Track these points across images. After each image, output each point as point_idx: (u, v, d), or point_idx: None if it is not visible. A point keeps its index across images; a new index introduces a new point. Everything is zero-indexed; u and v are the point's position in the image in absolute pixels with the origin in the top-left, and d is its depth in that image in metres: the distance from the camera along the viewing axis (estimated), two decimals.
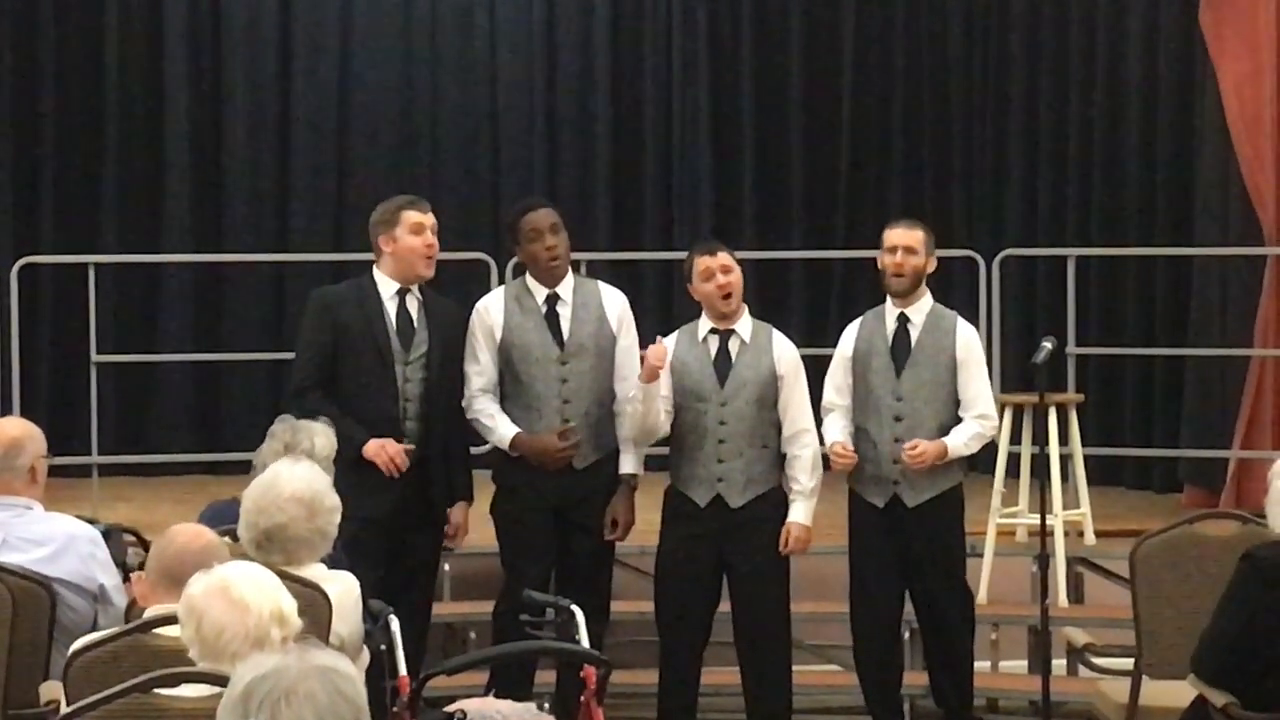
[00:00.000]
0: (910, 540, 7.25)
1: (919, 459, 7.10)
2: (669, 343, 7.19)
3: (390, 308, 7.19)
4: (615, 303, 7.42)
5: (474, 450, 7.53)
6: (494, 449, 7.44)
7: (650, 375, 7.02)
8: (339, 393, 7.09)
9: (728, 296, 7.16)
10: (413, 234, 7.17)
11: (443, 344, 7.22)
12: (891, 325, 7.34)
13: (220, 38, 11.61)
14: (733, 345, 7.21)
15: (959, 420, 7.26)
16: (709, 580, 7.20)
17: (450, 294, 7.91)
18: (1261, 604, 5.51)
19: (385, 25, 11.82)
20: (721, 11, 12.02)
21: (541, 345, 7.28)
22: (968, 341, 7.35)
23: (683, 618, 7.21)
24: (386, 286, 7.21)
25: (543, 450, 7.21)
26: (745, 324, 7.25)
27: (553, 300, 7.32)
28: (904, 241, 7.33)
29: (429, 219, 7.21)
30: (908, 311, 7.33)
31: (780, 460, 7.26)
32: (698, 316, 7.31)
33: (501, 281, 8.58)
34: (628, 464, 7.31)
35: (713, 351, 7.21)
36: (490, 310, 7.36)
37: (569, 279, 7.38)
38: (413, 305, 7.22)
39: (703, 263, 7.21)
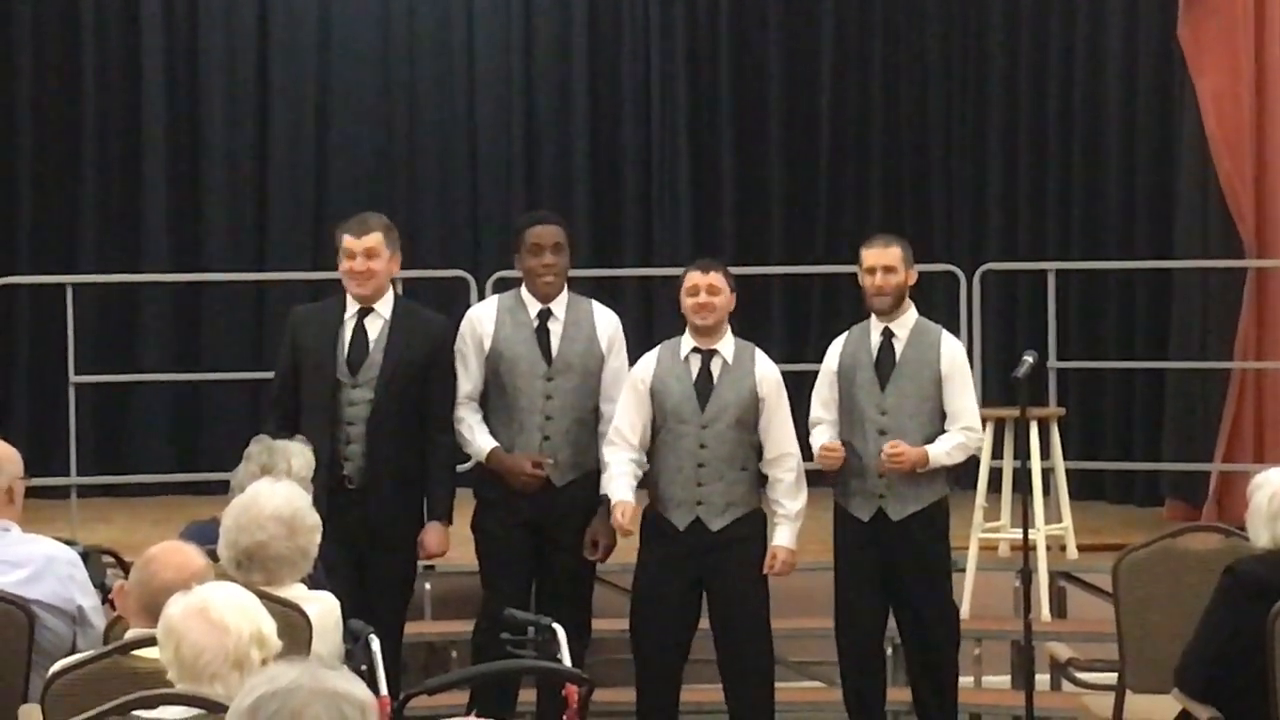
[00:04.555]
0: (895, 554, 7.22)
1: (898, 459, 7.08)
2: (650, 359, 7.18)
3: (347, 328, 7.15)
4: (607, 323, 7.39)
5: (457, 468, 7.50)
6: (475, 466, 7.42)
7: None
8: (300, 415, 7.08)
9: (704, 312, 7.14)
10: (345, 258, 7.16)
11: (405, 364, 7.12)
12: (876, 340, 7.31)
13: (198, 57, 11.58)
14: (715, 366, 7.17)
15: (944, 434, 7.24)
16: (687, 600, 7.15)
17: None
18: (1244, 617, 5.52)
19: (362, 46, 11.80)
20: (700, 29, 12.02)
21: (529, 360, 7.25)
22: (952, 355, 7.31)
23: (660, 638, 7.14)
24: (351, 306, 7.19)
25: (513, 470, 7.19)
26: (728, 344, 7.20)
27: (545, 316, 7.30)
28: (882, 261, 7.27)
29: (359, 243, 7.13)
30: (892, 326, 7.30)
31: (759, 482, 7.24)
32: (679, 333, 7.27)
33: (481, 299, 8.55)
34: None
35: (694, 372, 7.16)
36: (482, 320, 7.35)
37: (563, 296, 7.35)
38: (374, 325, 7.16)
39: (693, 277, 7.19)
